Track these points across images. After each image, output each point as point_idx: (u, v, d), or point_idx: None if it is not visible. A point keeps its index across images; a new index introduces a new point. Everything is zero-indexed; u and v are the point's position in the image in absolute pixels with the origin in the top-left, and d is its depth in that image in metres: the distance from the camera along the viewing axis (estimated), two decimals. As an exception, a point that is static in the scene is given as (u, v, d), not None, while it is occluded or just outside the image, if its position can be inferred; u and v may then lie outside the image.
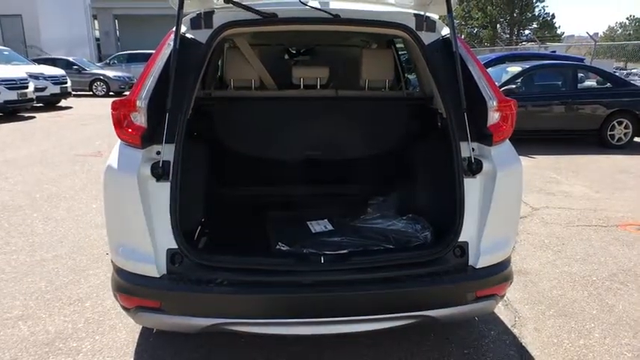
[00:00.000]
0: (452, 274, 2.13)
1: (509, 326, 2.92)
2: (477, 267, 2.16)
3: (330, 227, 2.58)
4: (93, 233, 4.28)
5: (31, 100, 12.91)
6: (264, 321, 2.06)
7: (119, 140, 2.15)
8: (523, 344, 2.74)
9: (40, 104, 14.17)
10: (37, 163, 7.07)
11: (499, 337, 2.80)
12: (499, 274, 2.19)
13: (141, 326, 2.82)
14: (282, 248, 2.29)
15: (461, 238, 2.16)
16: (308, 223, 2.63)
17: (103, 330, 2.81)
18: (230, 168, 3.28)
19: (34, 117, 12.60)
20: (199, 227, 2.57)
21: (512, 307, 3.14)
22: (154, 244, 2.03)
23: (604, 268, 3.76)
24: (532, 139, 8.56)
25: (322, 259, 2.13)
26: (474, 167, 2.15)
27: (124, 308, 2.14)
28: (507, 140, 2.28)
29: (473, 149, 2.19)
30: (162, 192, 2.05)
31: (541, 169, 7.11)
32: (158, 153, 2.08)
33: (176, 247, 2.04)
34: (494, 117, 2.21)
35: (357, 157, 3.31)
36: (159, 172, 2.02)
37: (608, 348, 2.71)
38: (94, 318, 2.94)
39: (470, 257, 2.17)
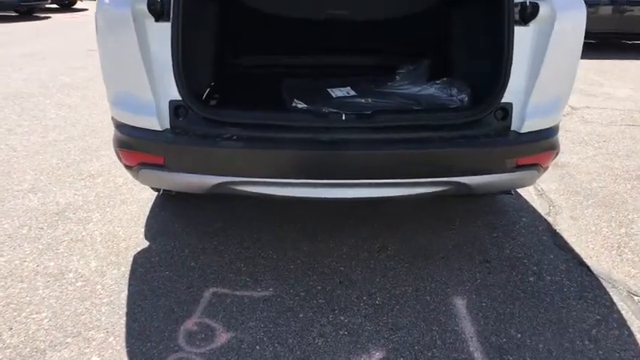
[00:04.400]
0: (491, 138, 1.87)
1: (543, 214, 2.71)
2: (521, 132, 1.88)
3: (352, 93, 2.29)
4: (106, 118, 4.09)
5: (45, -1, 12.51)
6: (276, 181, 1.86)
7: None
8: (557, 231, 2.54)
9: (55, 5, 13.78)
10: (51, 57, 6.88)
11: (532, 224, 2.61)
12: (545, 140, 1.92)
13: (152, 201, 2.73)
14: (298, 105, 2.04)
15: (504, 99, 1.86)
16: (328, 89, 2.35)
17: (114, 203, 2.72)
18: (240, 29, 2.92)
19: (49, 17, 12.26)
20: (207, 90, 2.33)
21: (547, 197, 2.91)
22: (155, 94, 1.80)
23: (650, 164, 3.46)
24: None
25: (344, 116, 1.88)
26: (528, 12, 1.79)
27: (127, 167, 1.97)
28: (571, -20, 1.89)
29: None
30: (162, 35, 1.78)
31: (582, 71, 6.53)
32: None
33: (180, 99, 1.81)
34: None
35: (385, 18, 2.87)
36: (157, 8, 1.74)
37: (653, 237, 2.49)
38: (105, 192, 2.84)
39: (513, 120, 1.88)
